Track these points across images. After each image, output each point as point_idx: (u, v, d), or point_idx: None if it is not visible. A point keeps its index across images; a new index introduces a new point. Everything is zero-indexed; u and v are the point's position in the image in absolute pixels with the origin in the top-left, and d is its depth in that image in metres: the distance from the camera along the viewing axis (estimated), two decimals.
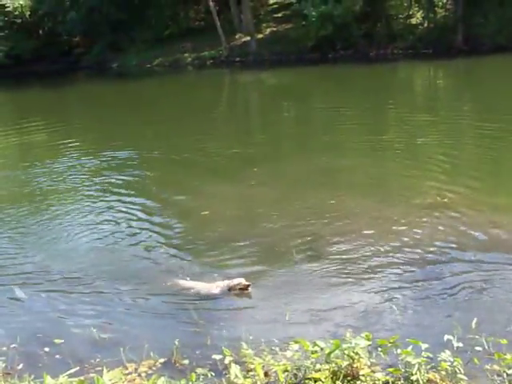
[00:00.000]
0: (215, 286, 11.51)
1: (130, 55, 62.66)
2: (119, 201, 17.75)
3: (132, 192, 18.64)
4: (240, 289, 11.31)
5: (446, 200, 15.91)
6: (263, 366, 8.05)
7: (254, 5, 64.51)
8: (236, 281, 11.37)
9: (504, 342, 8.19)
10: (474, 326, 8.62)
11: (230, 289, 11.33)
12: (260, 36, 61.25)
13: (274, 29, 62.48)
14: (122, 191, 18.74)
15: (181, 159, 22.64)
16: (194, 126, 29.19)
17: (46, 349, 9.71)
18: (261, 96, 43.61)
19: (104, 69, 61.41)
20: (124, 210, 16.86)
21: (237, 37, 62.00)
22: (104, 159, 23.20)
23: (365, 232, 14.05)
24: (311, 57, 54.25)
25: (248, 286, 11.30)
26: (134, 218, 16.17)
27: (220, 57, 59.64)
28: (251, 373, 7.94)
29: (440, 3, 57.07)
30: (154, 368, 8.92)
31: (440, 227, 14.17)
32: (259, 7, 66.28)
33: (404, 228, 14.22)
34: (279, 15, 64.69)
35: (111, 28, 64.29)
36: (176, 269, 12.75)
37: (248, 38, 60.55)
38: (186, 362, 9.01)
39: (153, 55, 61.46)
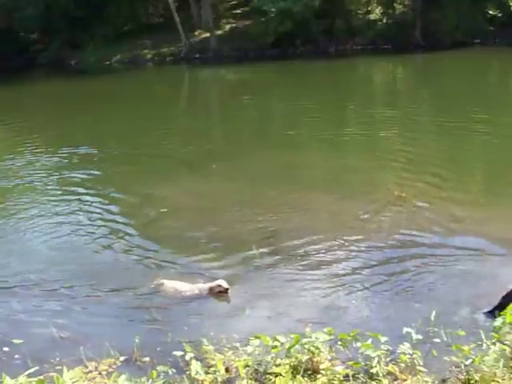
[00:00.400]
0: (195, 288, 11.35)
1: (88, 52, 62.09)
2: (78, 199, 17.58)
3: (91, 190, 18.46)
4: (219, 291, 11.14)
5: (404, 194, 16.01)
6: (224, 362, 8.05)
7: (214, 1, 64.32)
8: (216, 283, 11.20)
9: (462, 333, 8.25)
10: (433, 318, 8.65)
11: (209, 291, 11.18)
12: (219, 32, 61.09)
13: (234, 25, 62.37)
14: (81, 189, 18.53)
15: (140, 156, 22.52)
16: (153, 123, 29.01)
17: (5, 349, 9.60)
18: (221, 92, 43.52)
19: (62, 66, 60.76)
20: (83, 208, 16.72)
21: (196, 33, 61.76)
22: (61, 157, 22.95)
23: (325, 227, 14.09)
24: (271, 53, 54.24)
25: (227, 289, 11.12)
26: (93, 216, 16.02)
27: (180, 53, 59.35)
28: (212, 369, 7.93)
29: None
30: (114, 366, 8.84)
31: (398, 221, 14.29)
32: (218, 3, 66.08)
33: (363, 223, 14.30)
34: (239, 11, 64.57)
35: (70, 24, 63.60)
36: (137, 267, 12.69)
37: (207, 35, 60.36)
38: (147, 359, 8.96)
39: (112, 52, 60.96)
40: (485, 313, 9.81)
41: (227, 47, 58.18)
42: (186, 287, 11.37)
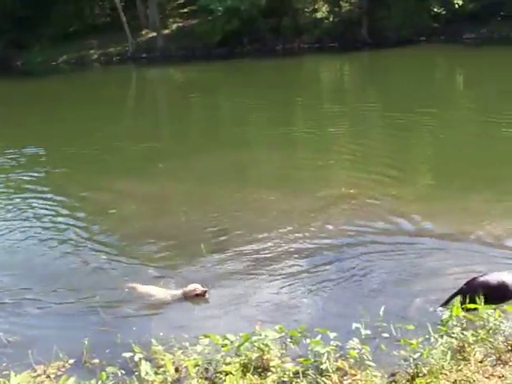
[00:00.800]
0: (168, 294, 11.14)
1: (35, 53, 61.24)
2: (24, 201, 17.34)
3: (38, 191, 18.23)
4: (196, 295, 10.93)
5: (352, 191, 16.13)
6: (173, 362, 8.03)
7: (160, 0, 63.99)
8: (191, 287, 11.00)
9: (410, 327, 8.35)
10: (381, 313, 8.70)
11: (184, 295, 10.97)
12: (166, 32, 60.76)
13: (181, 24, 62.08)
14: (28, 191, 18.32)
15: (87, 156, 22.29)
16: (100, 123, 28.81)
17: None
18: (168, 91, 43.34)
19: (7, 66, 59.91)
20: (29, 210, 16.52)
21: (143, 33, 61.37)
22: (8, 158, 22.66)
23: (274, 225, 14.11)
24: (218, 52, 54.14)
25: (205, 292, 10.96)
26: (40, 218, 15.85)
27: (126, 53, 58.91)
28: (162, 369, 7.92)
29: None
30: (63, 369, 8.76)
31: (347, 218, 14.39)
32: (165, 3, 65.73)
33: (312, 220, 14.35)
34: (185, 10, 64.28)
35: (15, 24, 62.77)
36: (85, 269, 12.59)
37: (154, 34, 60.00)
38: (96, 361, 8.90)
39: (58, 52, 60.24)
40: (443, 303, 9.90)
41: (174, 46, 57.92)
42: (159, 292, 11.17)
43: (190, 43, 57.04)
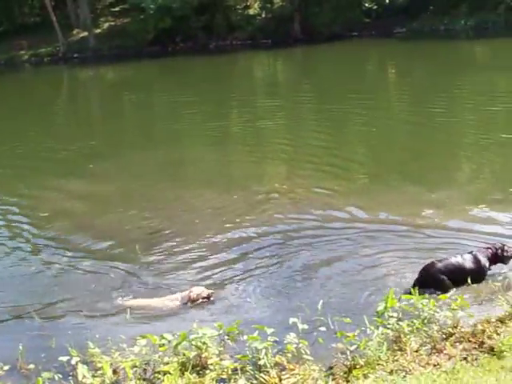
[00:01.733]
0: (170, 300, 10.57)
1: None
2: None
3: None
4: (203, 298, 10.45)
5: (285, 186, 16.18)
6: (111, 364, 7.90)
7: None
8: (196, 291, 10.49)
9: (347, 320, 8.39)
10: (319, 307, 8.71)
11: (191, 301, 10.39)
12: (98, 31, 60.35)
13: (112, 23, 61.73)
14: None
15: (16, 158, 21.93)
16: (31, 125, 28.41)
17: None
18: (101, 91, 43.02)
19: None
20: None
21: (74, 32, 60.80)
22: None
23: (208, 222, 14.12)
24: (151, 50, 53.92)
25: (211, 294, 10.52)
26: None
27: (58, 53, 58.30)
28: (99, 372, 7.77)
29: None
30: None
31: (281, 214, 14.40)
32: (96, 1, 65.23)
33: (246, 216, 14.34)
34: (117, 9, 63.88)
35: None
36: (15, 273, 12.32)
37: (86, 34, 59.52)
38: (32, 366, 8.66)
39: None
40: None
41: (106, 46, 57.51)
42: (158, 303, 10.61)
43: (123, 42, 56.72)
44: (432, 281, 10.12)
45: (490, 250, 10.61)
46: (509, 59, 40.75)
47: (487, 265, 10.51)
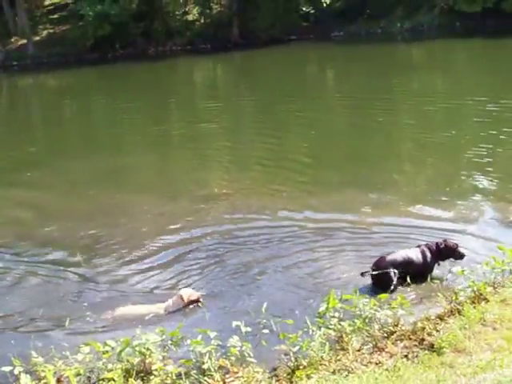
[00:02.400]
0: (163, 307, 10.39)
1: None
2: None
3: None
4: (192, 301, 10.39)
5: (226, 191, 16.25)
6: (55, 373, 7.85)
7: (29, 6, 62.63)
8: (186, 293, 10.39)
9: (290, 322, 8.49)
10: (263, 310, 8.78)
11: (186, 304, 10.34)
12: (37, 38, 59.61)
13: (51, 30, 61.03)
14: None
15: None
16: None
17: None
18: (41, 98, 42.47)
19: None
20: None
21: (13, 40, 59.97)
22: None
23: (150, 229, 14.13)
24: (90, 57, 53.52)
25: (200, 297, 10.50)
26: None
27: None
28: (43, 381, 7.72)
29: None
30: None
31: (223, 218, 14.48)
32: (34, 9, 64.41)
33: (188, 221, 14.39)
34: (56, 16, 63.21)
35: None
36: None
37: (24, 41, 58.77)
38: None
39: None
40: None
41: (46, 53, 56.88)
42: (146, 309, 10.48)
43: (62, 49, 56.18)
44: (383, 274, 10.46)
45: (433, 245, 11.04)
46: (444, 60, 41.75)
47: (433, 259, 10.95)
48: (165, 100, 32.98)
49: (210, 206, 15.33)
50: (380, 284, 10.42)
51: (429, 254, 10.96)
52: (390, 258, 10.78)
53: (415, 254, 10.93)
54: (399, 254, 10.91)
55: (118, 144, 23.49)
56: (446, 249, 10.99)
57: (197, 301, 10.46)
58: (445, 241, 11.16)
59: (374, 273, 10.54)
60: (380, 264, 10.65)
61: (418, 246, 11.11)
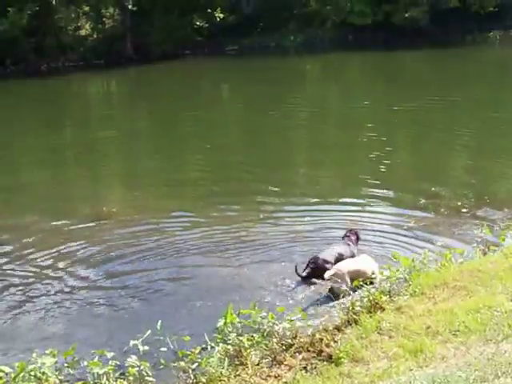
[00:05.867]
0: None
1: None
2: None
3: None
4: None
5: (114, 209, 16.08)
6: None
7: None
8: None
9: (187, 338, 8.43)
10: (158, 327, 8.67)
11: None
12: None
13: None
14: None
15: None
16: None
17: None
18: None
19: None
20: None
21: None
22: None
23: (33, 247, 13.87)
24: None
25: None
26: None
27: None
28: None
29: (108, 14, 57.35)
30: None
31: (110, 237, 14.33)
32: None
33: (70, 242, 14.11)
34: None
35: None
36: None
37: None
38: None
39: None
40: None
41: None
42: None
43: None
44: (321, 271, 11.01)
45: (352, 236, 12.15)
46: (335, 72, 42.76)
47: (355, 249, 11.97)
48: (57, 117, 32.42)
49: (95, 224, 15.18)
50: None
51: (353, 245, 11.97)
52: (323, 254, 11.65)
53: (343, 248, 11.84)
54: (331, 250, 11.77)
55: (8, 163, 22.81)
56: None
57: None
58: (352, 229, 12.42)
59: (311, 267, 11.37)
60: (316, 261, 11.40)
61: (342, 239, 12.15)
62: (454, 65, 42.66)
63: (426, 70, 43.99)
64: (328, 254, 11.62)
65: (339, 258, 11.47)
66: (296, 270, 11.24)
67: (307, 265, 11.47)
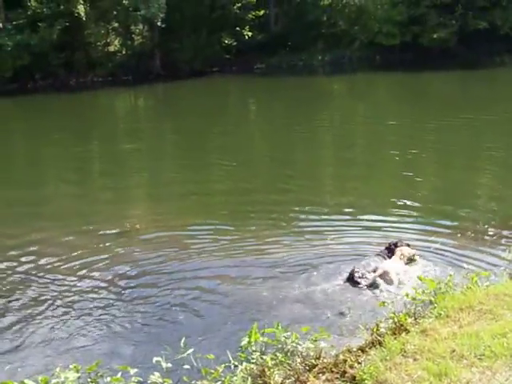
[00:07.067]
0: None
1: None
2: None
3: None
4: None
5: (138, 226, 16.09)
6: None
7: None
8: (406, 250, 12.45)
9: (211, 357, 8.37)
10: (182, 344, 8.65)
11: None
12: None
13: None
14: None
15: None
16: None
17: None
18: None
19: None
20: None
21: None
22: None
23: (57, 266, 13.80)
24: (9, 88, 52.53)
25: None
26: None
27: None
28: None
29: (137, 30, 57.83)
30: None
31: (133, 253, 14.37)
32: None
33: (98, 258, 14.13)
34: None
35: None
36: None
37: None
38: None
39: None
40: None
41: None
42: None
43: None
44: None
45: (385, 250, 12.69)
46: (362, 91, 42.77)
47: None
48: (86, 132, 32.65)
49: (120, 241, 15.15)
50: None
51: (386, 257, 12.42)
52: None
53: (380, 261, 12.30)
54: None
55: (36, 177, 22.99)
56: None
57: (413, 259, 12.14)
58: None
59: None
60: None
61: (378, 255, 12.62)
62: (483, 86, 42.48)
63: (454, 90, 43.87)
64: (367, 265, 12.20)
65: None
66: (352, 277, 11.66)
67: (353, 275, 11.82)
